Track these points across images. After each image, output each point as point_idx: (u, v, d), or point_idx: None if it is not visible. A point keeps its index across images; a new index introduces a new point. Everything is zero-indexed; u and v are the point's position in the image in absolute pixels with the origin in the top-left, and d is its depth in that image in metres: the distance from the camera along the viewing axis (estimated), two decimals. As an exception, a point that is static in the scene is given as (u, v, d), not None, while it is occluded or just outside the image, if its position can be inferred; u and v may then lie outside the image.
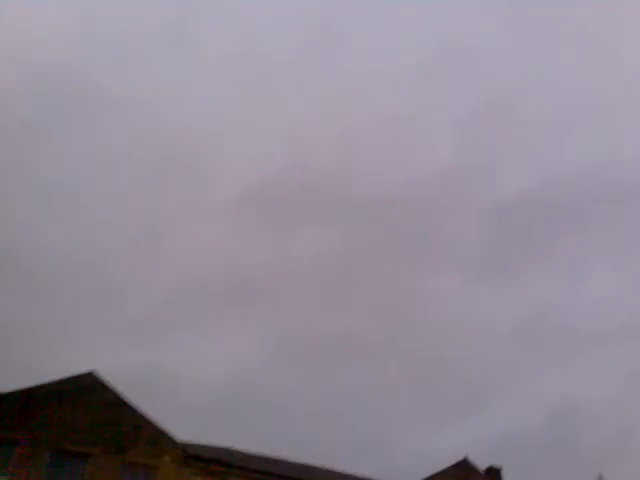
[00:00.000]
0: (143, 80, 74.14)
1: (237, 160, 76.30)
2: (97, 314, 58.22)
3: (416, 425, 58.89)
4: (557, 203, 72.54)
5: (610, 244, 67.16)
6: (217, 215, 72.99)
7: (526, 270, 73.55)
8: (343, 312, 71.68)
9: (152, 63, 75.86)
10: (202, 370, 56.86)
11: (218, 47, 78.51)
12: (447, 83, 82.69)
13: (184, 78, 76.89)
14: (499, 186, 74.39)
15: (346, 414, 58.80)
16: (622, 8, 70.77)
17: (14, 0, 62.21)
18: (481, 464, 34.52)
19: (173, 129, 75.78)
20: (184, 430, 30.49)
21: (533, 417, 62.86)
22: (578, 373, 60.65)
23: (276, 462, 32.85)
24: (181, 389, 53.81)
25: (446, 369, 66.85)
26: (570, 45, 77.11)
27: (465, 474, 33.63)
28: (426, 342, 68.98)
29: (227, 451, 32.38)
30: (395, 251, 77.77)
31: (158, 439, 28.52)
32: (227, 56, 78.17)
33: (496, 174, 77.72)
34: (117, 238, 71.56)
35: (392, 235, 78.10)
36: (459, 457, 34.10)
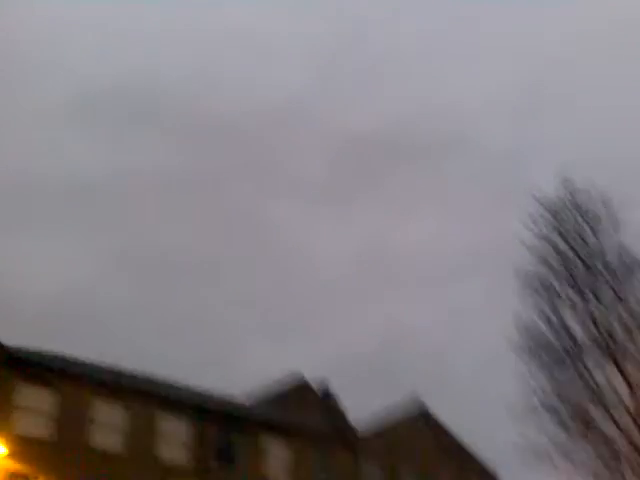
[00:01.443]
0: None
1: (74, 66, 70.60)
2: None
3: (257, 341, 60.33)
4: (397, 143, 75.17)
5: (438, 187, 71.15)
6: (53, 119, 67.68)
7: (365, 204, 76.71)
8: (185, 228, 70.69)
9: None
10: (35, 277, 53.51)
11: None
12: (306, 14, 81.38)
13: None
14: (346, 121, 75.84)
15: (188, 328, 58.82)
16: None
17: None
18: (315, 380, 36.16)
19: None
20: (11, 337, 28.05)
21: (367, 342, 66.44)
22: (408, 304, 64.96)
23: (113, 372, 31.90)
24: (10, 294, 50.20)
25: (288, 292, 68.85)
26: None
27: (299, 389, 35.00)
28: (270, 264, 70.27)
29: (60, 358, 30.84)
30: (241, 174, 77.56)
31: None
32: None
33: (345, 109, 79.06)
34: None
35: (239, 158, 77.68)
36: (296, 372, 35.40)
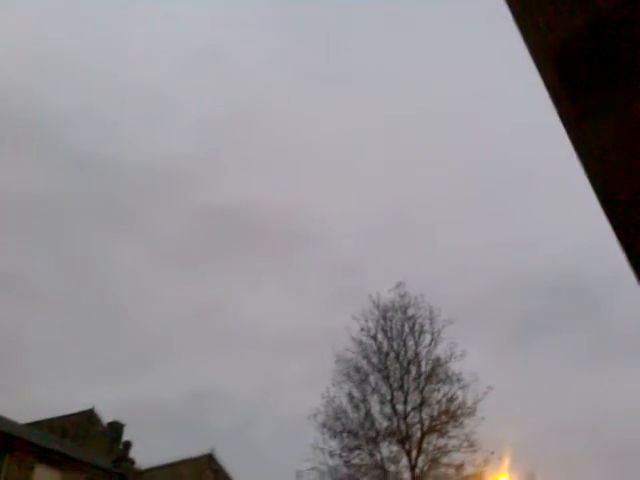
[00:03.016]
0: None
1: None
2: None
3: (64, 374, 59.78)
4: (257, 223, 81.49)
5: (285, 272, 78.24)
6: None
7: (214, 269, 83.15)
8: (21, 251, 68.98)
9: None
10: None
11: None
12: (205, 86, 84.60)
13: None
14: (214, 192, 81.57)
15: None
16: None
17: None
18: (107, 418, 34.51)
19: None
20: None
21: (175, 392, 70.58)
22: (225, 365, 69.53)
23: None
24: None
25: (118, 335, 70.76)
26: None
27: (89, 422, 33.15)
28: (105, 305, 71.95)
29: None
30: (101, 215, 77.70)
31: None
32: None
33: (216, 181, 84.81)
34: None
35: (104, 198, 77.95)
36: (87, 408, 33.49)
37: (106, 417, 35.02)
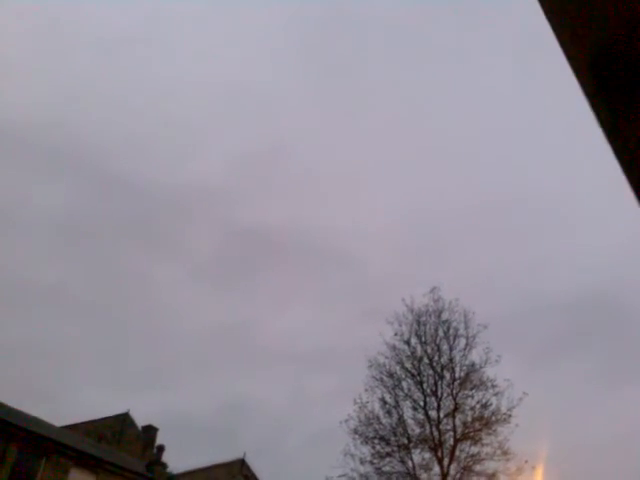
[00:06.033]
0: None
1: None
2: None
3: (101, 384, 62.93)
4: (281, 241, 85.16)
5: (314, 288, 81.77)
6: None
7: (247, 287, 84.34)
8: (65, 265, 73.26)
9: None
10: None
11: None
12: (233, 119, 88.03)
13: None
14: (245, 214, 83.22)
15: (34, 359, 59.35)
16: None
17: None
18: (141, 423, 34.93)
19: None
20: None
21: (208, 404, 71.77)
22: (258, 379, 71.06)
23: None
24: None
25: (153, 348, 74.56)
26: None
27: (124, 426, 33.57)
28: (141, 319, 75.99)
29: None
30: (138, 235, 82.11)
31: None
32: None
33: (246, 203, 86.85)
34: None
35: (141, 220, 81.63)
36: (122, 413, 33.91)
37: (140, 422, 35.53)
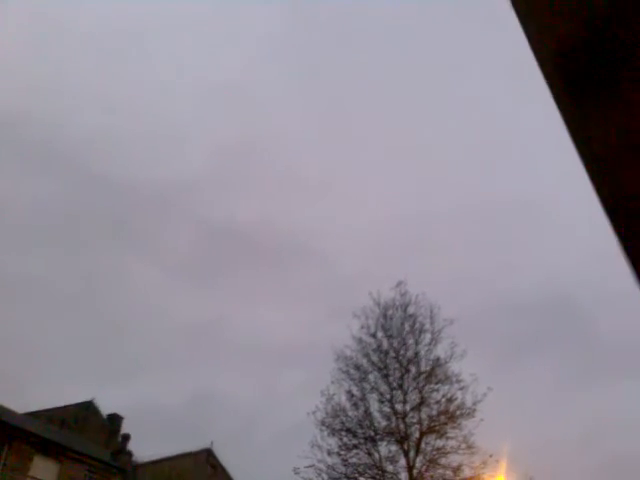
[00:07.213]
0: None
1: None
2: None
3: (71, 373, 62.65)
4: (254, 238, 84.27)
5: (281, 283, 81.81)
6: None
7: (217, 285, 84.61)
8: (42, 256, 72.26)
9: None
10: None
11: None
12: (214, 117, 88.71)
13: None
14: (220, 212, 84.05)
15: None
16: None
17: None
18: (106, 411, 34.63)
19: None
20: None
21: (177, 396, 72.97)
22: (227, 374, 71.68)
23: None
24: None
25: (125, 342, 72.84)
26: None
27: (88, 414, 33.22)
28: (115, 314, 74.57)
29: None
30: (115, 231, 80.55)
31: None
32: None
33: (222, 201, 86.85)
34: None
35: (117, 216, 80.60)
36: (87, 400, 33.52)
37: (107, 412, 35.16)
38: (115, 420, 34.82)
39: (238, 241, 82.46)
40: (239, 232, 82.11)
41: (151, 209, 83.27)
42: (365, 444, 26.47)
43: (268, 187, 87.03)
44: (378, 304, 26.40)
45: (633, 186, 1.64)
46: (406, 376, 25.82)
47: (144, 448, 34.35)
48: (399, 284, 26.49)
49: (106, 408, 35.04)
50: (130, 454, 35.66)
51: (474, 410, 24.84)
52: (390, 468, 26.09)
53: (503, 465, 24.14)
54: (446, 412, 25.14)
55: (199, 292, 79.87)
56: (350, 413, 26.76)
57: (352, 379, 26.72)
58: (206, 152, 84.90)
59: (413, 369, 25.75)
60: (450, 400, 25.30)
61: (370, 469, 26.22)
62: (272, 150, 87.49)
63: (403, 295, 26.32)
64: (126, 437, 35.82)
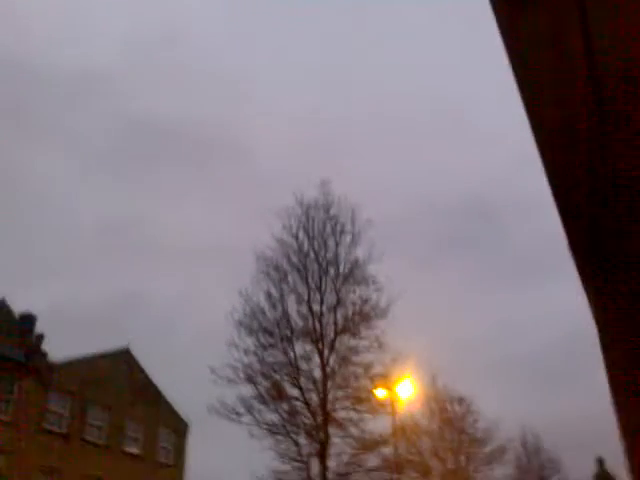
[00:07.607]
0: None
1: None
2: None
3: None
4: (187, 137, 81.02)
5: (204, 182, 78.98)
6: None
7: (138, 181, 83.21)
8: None
9: None
10: None
11: None
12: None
13: None
14: (139, 104, 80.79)
15: None
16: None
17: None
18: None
19: None
20: None
21: (94, 296, 70.09)
22: (148, 274, 69.70)
23: None
24: None
25: (30, 241, 69.69)
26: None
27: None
28: (22, 210, 69.55)
29: None
30: (16, 118, 73.99)
31: None
32: None
33: (141, 93, 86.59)
34: None
35: (16, 102, 75.12)
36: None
37: (18, 310, 34.14)
38: (28, 319, 33.94)
39: (160, 137, 79.67)
40: (161, 128, 79.25)
41: (61, 98, 78.63)
42: (281, 343, 26.89)
43: (191, 83, 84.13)
44: (301, 204, 26.15)
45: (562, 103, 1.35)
46: (325, 277, 26.05)
47: (61, 349, 33.80)
48: (323, 184, 26.26)
49: (19, 308, 34.07)
50: (44, 354, 35.06)
51: (387, 311, 25.50)
52: (305, 366, 26.76)
53: (412, 361, 25.14)
54: (361, 312, 25.68)
55: (118, 187, 77.10)
56: (268, 314, 26.97)
57: (271, 280, 26.77)
58: (121, 40, 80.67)
59: (332, 270, 25.98)
60: (365, 301, 25.82)
61: (285, 367, 26.79)
62: (189, 42, 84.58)
63: (326, 195, 26.12)
64: (40, 337, 35.04)
